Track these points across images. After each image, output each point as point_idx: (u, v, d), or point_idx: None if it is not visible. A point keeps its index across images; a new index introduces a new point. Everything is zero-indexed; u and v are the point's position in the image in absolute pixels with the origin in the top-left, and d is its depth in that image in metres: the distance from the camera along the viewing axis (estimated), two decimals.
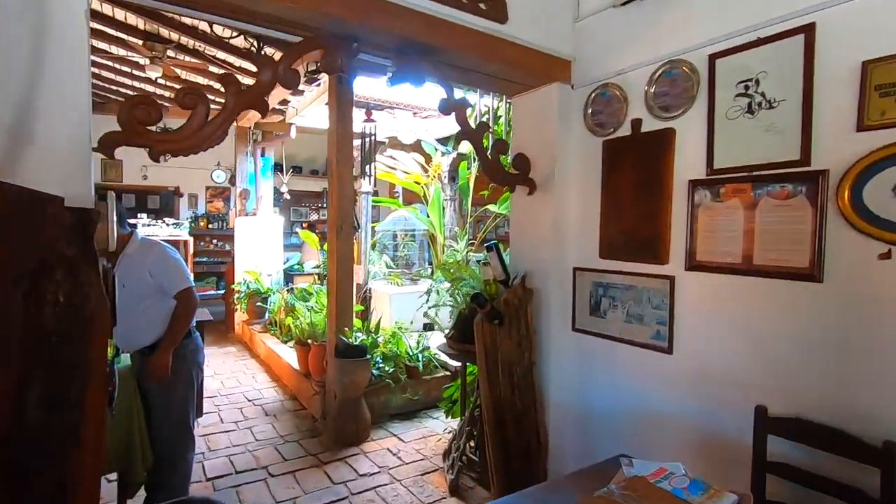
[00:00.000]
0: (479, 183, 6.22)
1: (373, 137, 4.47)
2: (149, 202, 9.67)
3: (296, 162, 9.71)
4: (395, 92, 6.18)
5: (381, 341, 4.12)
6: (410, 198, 8.58)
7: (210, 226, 8.78)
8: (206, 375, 4.85)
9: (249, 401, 4.20)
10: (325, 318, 3.98)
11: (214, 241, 8.78)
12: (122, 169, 8.42)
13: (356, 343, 3.50)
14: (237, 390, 4.45)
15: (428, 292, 4.03)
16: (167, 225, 5.32)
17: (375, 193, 9.06)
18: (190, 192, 9.04)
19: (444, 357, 4.24)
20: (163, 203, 9.13)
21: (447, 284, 3.91)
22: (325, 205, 10.10)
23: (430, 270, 6.76)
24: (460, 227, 6.64)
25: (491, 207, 6.32)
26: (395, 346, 4.11)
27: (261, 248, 6.41)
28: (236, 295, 6.13)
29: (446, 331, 2.92)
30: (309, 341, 3.99)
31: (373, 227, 6.15)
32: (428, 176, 6.66)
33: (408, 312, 5.56)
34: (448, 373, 4.23)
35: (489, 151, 2.36)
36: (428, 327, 5.73)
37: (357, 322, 4.08)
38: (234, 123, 6.79)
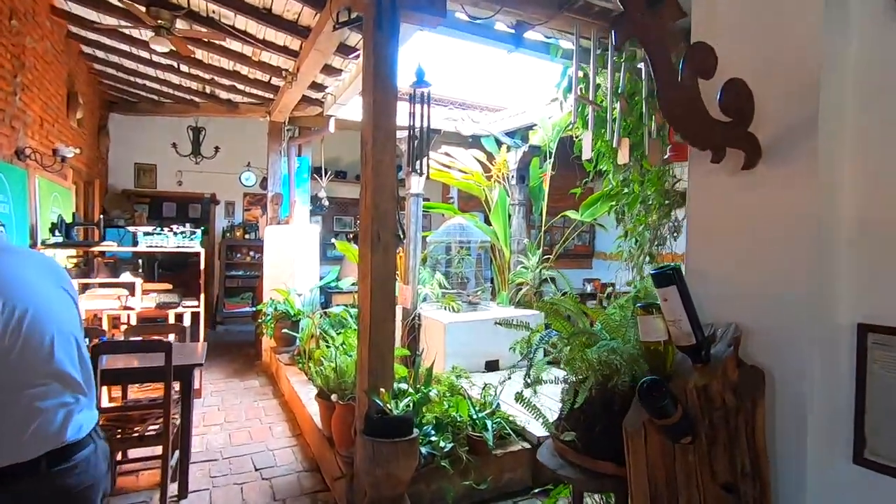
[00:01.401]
0: (559, 185, 4.95)
1: (425, 119, 3.33)
2: (190, 210, 9.08)
3: (339, 166, 8.82)
4: (453, 85, 5.10)
5: (434, 396, 2.93)
6: (466, 206, 7.43)
7: (247, 235, 8.00)
8: (213, 424, 3.85)
9: (257, 470, 3.12)
10: (355, 363, 2.85)
11: (252, 252, 7.99)
12: (156, 174, 7.80)
13: (397, 412, 2.32)
14: (245, 450, 3.40)
15: (526, 353, 2.33)
16: (174, 234, 4.39)
17: (426, 199, 8.05)
18: (227, 200, 8.32)
19: (519, 416, 2.99)
20: (203, 211, 8.47)
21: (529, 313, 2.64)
22: None
23: (490, 291, 5.54)
24: (530, 238, 5.38)
25: (571, 214, 5.03)
26: (455, 409, 2.91)
27: (293, 262, 5.44)
28: (262, 318, 5.17)
29: (554, 421, 1.66)
30: (333, 397, 2.87)
31: (423, 238, 5.02)
32: (490, 176, 5.47)
33: (467, 345, 4.35)
34: (528, 446, 2.98)
35: (680, 64, 1.10)
36: (492, 366, 4.50)
37: (400, 369, 2.92)
38: (267, 118, 5.90)
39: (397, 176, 2.70)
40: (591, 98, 2.51)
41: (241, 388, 4.84)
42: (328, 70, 4.42)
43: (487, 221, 5.64)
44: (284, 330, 4.93)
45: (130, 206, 7.38)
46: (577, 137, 3.29)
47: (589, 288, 7.68)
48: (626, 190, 3.21)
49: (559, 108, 3.57)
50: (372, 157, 2.45)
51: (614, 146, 2.55)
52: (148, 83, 5.86)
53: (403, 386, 2.72)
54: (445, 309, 4.80)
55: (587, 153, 2.74)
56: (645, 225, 3.10)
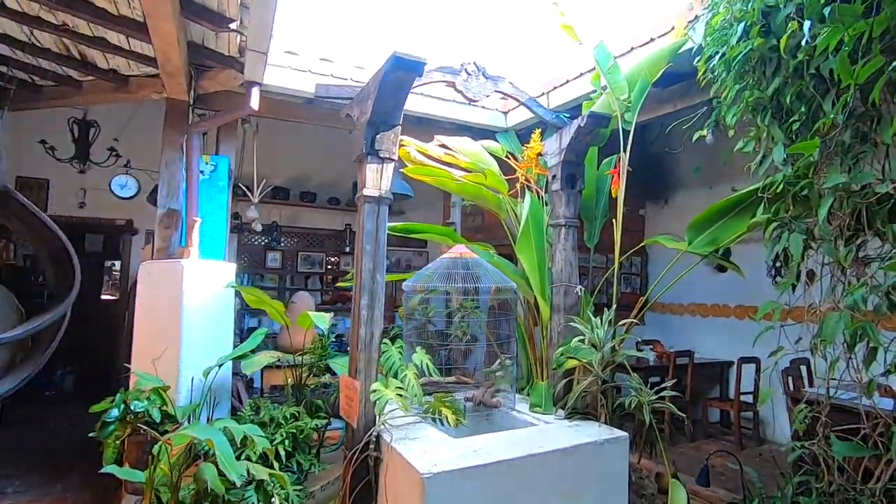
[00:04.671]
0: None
1: None
2: (87, 243, 6.91)
3: (308, 186, 6.68)
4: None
5: None
6: (474, 236, 5.18)
7: None
8: None
9: None
10: None
11: None
12: (49, 191, 5.69)
13: None
14: None
15: None
16: None
17: (398, 213, 5.94)
18: (150, 228, 6.17)
19: None
20: (108, 244, 6.33)
21: None
22: (349, 249, 6.90)
23: (516, 376, 3.23)
24: (579, 281, 3.12)
25: (665, 242, 2.77)
26: None
27: (178, 324, 3.18)
28: (101, 426, 2.86)
29: None
30: None
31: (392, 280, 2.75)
32: (515, 180, 3.25)
33: None
34: None
35: None
36: None
37: None
38: (163, 94, 3.77)
39: None
40: None
41: None
42: None
43: (511, 257, 3.37)
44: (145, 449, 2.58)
45: (2, 234, 5.23)
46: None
47: (651, 358, 5.29)
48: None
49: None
50: None
51: None
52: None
53: None
54: (435, 422, 2.46)
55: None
56: None
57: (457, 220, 5.31)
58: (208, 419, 3.27)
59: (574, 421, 2.59)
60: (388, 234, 2.56)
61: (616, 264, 2.87)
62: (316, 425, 3.11)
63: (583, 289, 2.94)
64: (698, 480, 3.14)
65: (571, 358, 2.70)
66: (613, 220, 2.96)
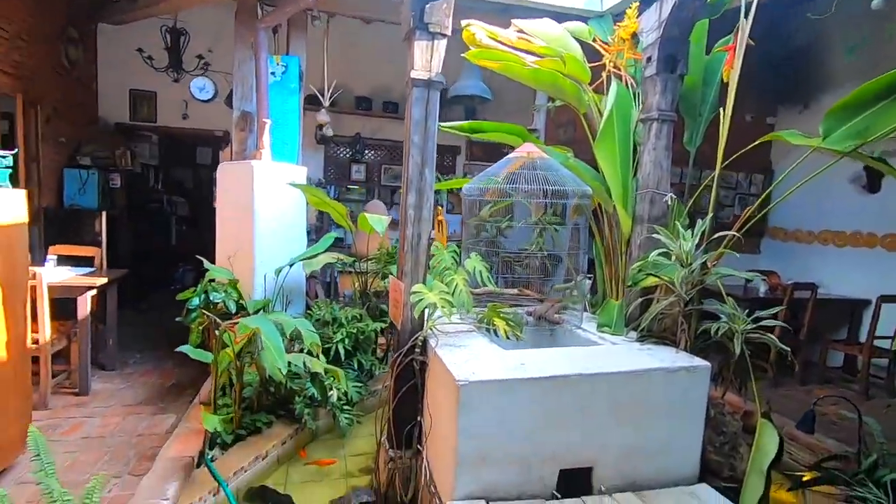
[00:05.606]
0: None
1: None
2: (198, 154, 7.44)
3: (391, 97, 6.47)
4: None
5: None
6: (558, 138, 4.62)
7: None
8: None
9: None
10: None
11: None
12: (156, 105, 6.10)
13: None
14: None
15: None
16: None
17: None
18: None
19: None
20: (216, 155, 6.76)
21: None
22: None
23: (588, 292, 2.95)
24: (672, 188, 2.64)
25: (789, 138, 2.17)
26: None
27: (251, 223, 3.27)
28: (185, 313, 3.10)
29: None
30: None
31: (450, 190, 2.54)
32: (602, 66, 2.74)
33: (513, 435, 1.86)
34: None
35: None
36: (574, 483, 1.95)
37: None
38: None
39: None
40: None
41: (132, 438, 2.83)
42: None
43: (593, 163, 2.93)
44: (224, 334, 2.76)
45: (121, 143, 5.77)
46: None
47: (762, 288, 4.61)
48: None
49: None
50: None
51: None
52: None
53: None
54: (488, 332, 2.29)
55: None
56: None
57: (540, 127, 4.80)
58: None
59: (646, 344, 2.27)
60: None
61: (717, 168, 2.33)
62: (377, 328, 3.12)
63: (673, 196, 2.47)
64: (800, 425, 2.70)
65: (651, 275, 2.32)
66: (720, 114, 2.38)
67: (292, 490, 2.38)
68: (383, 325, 3.18)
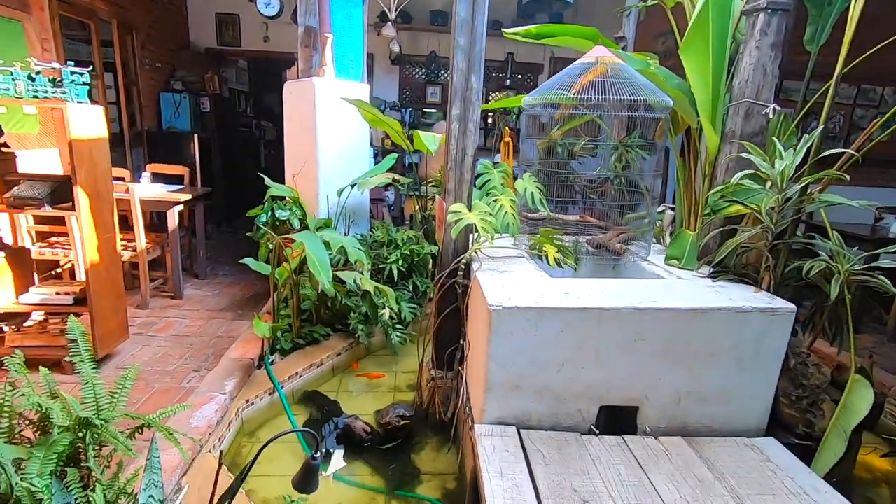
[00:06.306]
0: None
1: None
2: (285, 77, 7.55)
3: (444, 3, 6.00)
4: None
5: None
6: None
7: None
8: None
9: None
10: None
11: None
12: (240, 28, 6.23)
13: None
14: None
15: None
16: (26, 78, 2.43)
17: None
18: None
19: None
20: None
21: None
22: (509, 82, 6.27)
23: (663, 222, 2.67)
24: (774, 101, 2.17)
25: None
26: None
27: (315, 140, 3.28)
28: (254, 230, 3.26)
29: None
30: None
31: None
32: None
33: (546, 366, 1.76)
34: None
35: None
36: (617, 420, 1.83)
37: None
38: None
39: None
40: None
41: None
42: None
43: (678, 70, 2.48)
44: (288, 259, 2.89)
45: (210, 67, 6.03)
46: None
47: (893, 227, 3.86)
48: None
49: None
50: None
51: None
52: None
53: None
54: (542, 259, 2.14)
55: None
56: None
57: (629, 35, 4.16)
58: (346, 234, 3.50)
59: (720, 281, 1.99)
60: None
61: (839, 65, 1.85)
62: (432, 251, 3.08)
63: (776, 108, 2.03)
64: None
65: (734, 202, 1.98)
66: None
67: (343, 398, 2.52)
68: (436, 248, 3.14)
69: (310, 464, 1.53)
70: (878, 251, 2.02)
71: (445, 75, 6.37)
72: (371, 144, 4.62)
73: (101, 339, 2.55)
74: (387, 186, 4.22)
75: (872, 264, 1.78)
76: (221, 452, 1.45)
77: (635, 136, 2.42)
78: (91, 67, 2.65)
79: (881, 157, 4.73)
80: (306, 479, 1.54)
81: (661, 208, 2.87)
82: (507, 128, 3.66)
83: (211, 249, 4.89)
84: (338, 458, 2.09)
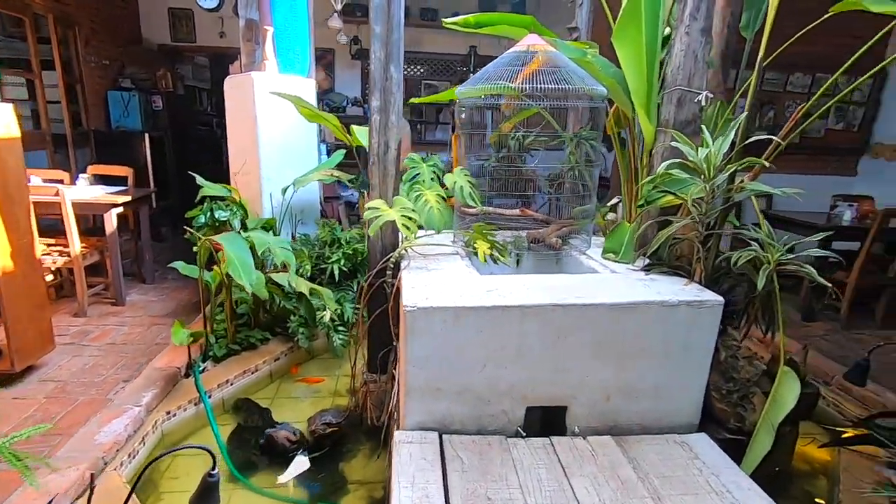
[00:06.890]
0: None
1: None
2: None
3: (428, 2, 5.93)
4: None
5: None
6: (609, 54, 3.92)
7: None
8: None
9: None
10: None
11: None
12: (194, 23, 6.03)
13: None
14: None
15: None
16: None
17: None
18: None
19: None
20: None
21: None
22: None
23: (593, 217, 2.62)
24: (719, 89, 2.11)
25: (868, 5, 1.58)
26: None
27: (255, 138, 3.15)
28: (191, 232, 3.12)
29: None
30: None
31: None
32: None
33: (470, 366, 1.68)
34: None
35: None
36: (544, 421, 1.76)
37: None
38: None
39: None
40: None
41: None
42: None
43: (613, 61, 2.42)
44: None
45: (164, 64, 5.83)
46: None
47: (847, 216, 3.89)
48: None
49: None
50: None
51: None
52: None
53: None
54: (472, 258, 2.06)
55: None
56: None
57: (582, 25, 4.10)
58: (292, 235, 3.38)
59: (652, 274, 1.93)
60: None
61: (762, 47, 1.79)
62: None
63: (709, 95, 1.98)
64: (849, 374, 2.28)
65: (666, 192, 1.93)
66: None
67: (278, 405, 2.41)
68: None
69: (207, 481, 1.44)
70: (813, 237, 1.99)
71: (408, 70, 6.26)
72: (324, 141, 4.50)
73: (19, 352, 2.40)
74: (340, 183, 4.10)
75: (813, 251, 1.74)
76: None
77: (588, 129, 2.36)
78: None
79: (835, 146, 4.77)
80: (204, 498, 1.44)
81: (614, 200, 2.82)
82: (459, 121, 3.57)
83: (163, 252, 4.72)
84: (299, 463, 1.98)
